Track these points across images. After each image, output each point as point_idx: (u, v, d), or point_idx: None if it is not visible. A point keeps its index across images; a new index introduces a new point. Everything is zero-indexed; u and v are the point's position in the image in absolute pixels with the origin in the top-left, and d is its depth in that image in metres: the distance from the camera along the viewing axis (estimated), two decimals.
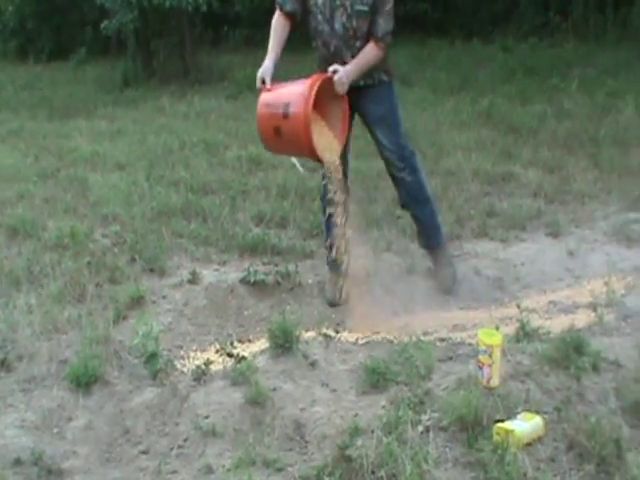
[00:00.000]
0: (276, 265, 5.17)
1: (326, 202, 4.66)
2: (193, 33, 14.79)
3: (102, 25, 13.22)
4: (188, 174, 7.30)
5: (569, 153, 7.33)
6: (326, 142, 4.44)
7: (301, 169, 4.54)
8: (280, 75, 4.58)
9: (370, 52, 4.54)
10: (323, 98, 4.33)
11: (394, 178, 4.89)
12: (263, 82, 4.51)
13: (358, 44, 4.54)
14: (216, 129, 9.33)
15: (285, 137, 4.36)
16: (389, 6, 4.55)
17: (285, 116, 4.29)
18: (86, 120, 10.54)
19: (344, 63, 4.50)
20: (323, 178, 4.75)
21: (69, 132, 9.69)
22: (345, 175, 4.70)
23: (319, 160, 4.42)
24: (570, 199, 6.19)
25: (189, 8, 12.62)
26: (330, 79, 4.39)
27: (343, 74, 4.40)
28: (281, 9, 4.64)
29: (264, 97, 4.48)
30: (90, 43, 17.65)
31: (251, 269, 4.99)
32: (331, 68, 4.42)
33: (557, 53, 12.61)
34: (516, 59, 12.45)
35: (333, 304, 4.78)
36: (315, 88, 4.25)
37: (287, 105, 4.29)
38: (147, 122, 10.19)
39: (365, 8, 4.48)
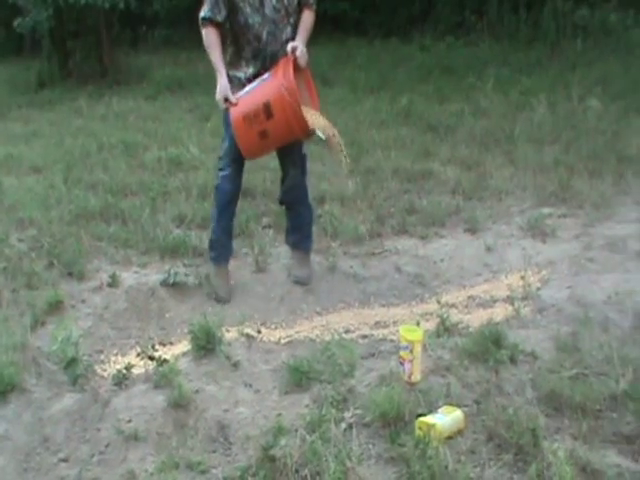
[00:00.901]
0: (197, 266, 5.15)
1: None
2: (110, 33, 14.59)
3: (15, 23, 12.92)
4: (107, 176, 7.21)
5: (486, 150, 7.46)
6: (311, 116, 4.53)
7: (322, 135, 4.55)
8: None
9: (308, 19, 4.72)
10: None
11: (287, 174, 4.98)
12: (226, 100, 4.56)
13: (291, 20, 4.65)
14: (135, 130, 9.24)
15: (273, 134, 4.45)
16: None
17: (269, 116, 4.36)
18: None
19: (272, 53, 4.60)
20: (222, 169, 4.85)
21: None
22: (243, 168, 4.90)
23: (311, 134, 4.54)
24: (487, 195, 6.29)
25: (106, 5, 12.43)
26: (293, 60, 4.46)
27: (302, 46, 4.53)
28: (211, 22, 4.64)
29: (236, 111, 4.51)
30: (2, 43, 17.30)
31: (172, 271, 4.95)
32: (289, 47, 4.50)
33: (473, 52, 12.81)
34: (433, 58, 12.61)
35: (227, 301, 4.82)
36: (290, 72, 4.34)
37: (267, 105, 4.36)
38: (64, 124, 10.03)
39: None
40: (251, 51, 4.65)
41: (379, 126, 8.63)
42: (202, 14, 4.66)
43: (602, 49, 11.49)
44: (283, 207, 5.19)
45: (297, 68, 4.47)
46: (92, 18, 13.84)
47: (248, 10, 4.57)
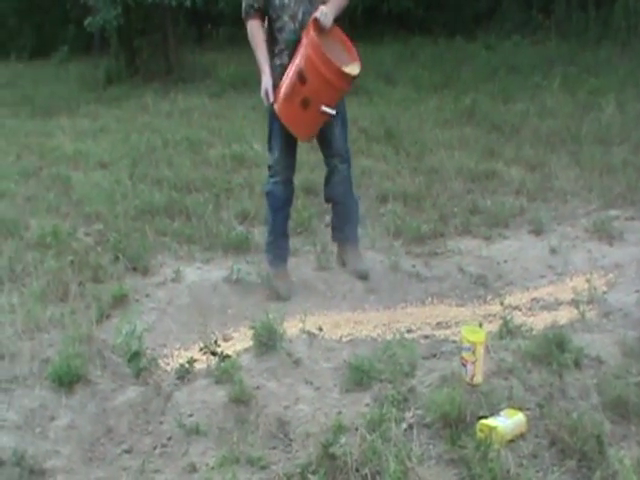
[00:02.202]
0: (260, 263, 5.17)
1: None
2: (176, 31, 14.74)
3: (85, 22, 13.16)
4: (171, 172, 7.29)
5: (551, 151, 7.37)
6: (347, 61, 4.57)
7: (331, 111, 4.59)
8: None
9: None
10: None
11: (335, 169, 4.98)
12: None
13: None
14: (199, 127, 9.33)
15: (313, 95, 4.49)
16: None
17: (302, 81, 4.45)
18: (68, 118, 10.50)
19: None
20: (273, 176, 4.94)
21: (51, 130, 9.66)
22: (294, 173, 5.02)
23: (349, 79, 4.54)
24: (552, 196, 6.22)
25: (172, 3, 12.59)
26: (315, 22, 4.50)
27: (324, 8, 4.54)
28: (253, 12, 4.72)
29: (277, 100, 4.63)
30: (73, 41, 17.58)
31: (235, 267, 4.99)
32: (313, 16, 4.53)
33: (539, 51, 12.67)
34: (499, 57, 12.50)
35: (288, 299, 4.83)
36: (310, 32, 4.42)
37: (299, 72, 4.45)
38: (130, 120, 10.16)
39: None
40: (292, 34, 4.67)
41: (443, 125, 8.59)
42: (242, 7, 4.76)
43: None
44: (329, 205, 5.22)
45: (323, 30, 4.51)
46: (159, 16, 14.00)
47: None
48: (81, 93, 12.79)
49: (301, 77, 4.43)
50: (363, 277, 4.98)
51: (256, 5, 4.71)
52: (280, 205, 4.99)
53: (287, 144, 4.85)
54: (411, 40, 14.53)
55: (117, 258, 5.32)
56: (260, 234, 5.62)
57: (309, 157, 6.54)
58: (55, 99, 12.24)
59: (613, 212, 5.77)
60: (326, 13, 4.52)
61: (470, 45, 13.82)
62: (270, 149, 4.96)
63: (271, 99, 4.64)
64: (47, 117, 10.81)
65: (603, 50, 12.02)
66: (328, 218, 5.81)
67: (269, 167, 4.98)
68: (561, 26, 13.40)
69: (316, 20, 4.50)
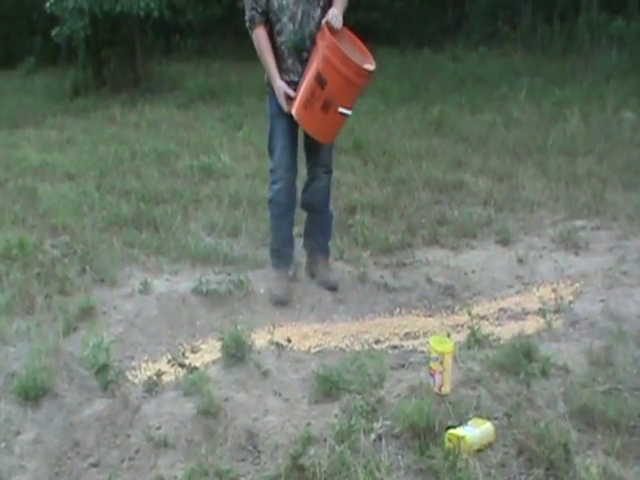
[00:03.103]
0: (228, 274, 5.15)
1: None
2: (144, 42, 14.73)
3: (53, 32, 13.08)
4: (139, 184, 7.26)
5: (518, 161, 7.43)
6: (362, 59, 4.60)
7: (348, 112, 4.59)
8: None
9: None
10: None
11: (317, 177, 4.97)
12: (289, 97, 4.63)
13: (321, 2, 4.67)
14: (167, 138, 9.30)
15: (334, 97, 4.48)
16: None
17: (321, 85, 4.44)
18: (35, 129, 10.44)
19: (311, 32, 4.63)
20: (275, 183, 4.82)
21: (17, 142, 9.60)
22: (295, 178, 4.93)
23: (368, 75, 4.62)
24: (519, 207, 6.26)
25: (140, 14, 12.55)
26: (327, 26, 4.49)
27: (334, 11, 4.54)
28: (256, 19, 4.71)
29: (296, 107, 4.59)
30: (39, 52, 17.49)
31: (203, 279, 4.97)
32: (323, 20, 4.53)
33: (506, 62, 12.78)
34: (466, 68, 12.60)
35: (284, 301, 4.81)
36: (327, 34, 4.43)
37: (317, 76, 4.44)
38: (98, 131, 10.11)
39: None
40: (292, 35, 4.67)
41: (411, 136, 8.63)
42: (246, 18, 4.74)
43: (637, 61, 11.40)
44: (304, 214, 5.21)
45: (335, 33, 4.51)
46: (126, 27, 13.98)
47: None
48: (48, 104, 12.71)
49: (320, 80, 4.43)
50: (333, 288, 4.99)
51: (260, 9, 4.68)
52: (283, 211, 4.96)
53: (290, 144, 4.82)
54: (379, 51, 14.42)
55: (84, 270, 5.28)
56: (228, 245, 5.61)
57: None
58: (21, 110, 12.17)
59: (579, 222, 5.81)
60: (337, 15, 4.52)
61: (437, 57, 13.91)
62: (271, 151, 4.91)
63: (286, 107, 4.63)
64: (13, 128, 10.73)
65: (568, 62, 12.14)
66: (296, 229, 5.81)
67: (271, 171, 4.93)
68: (526, 38, 13.53)
69: (328, 23, 4.49)
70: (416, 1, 16.42)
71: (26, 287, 4.97)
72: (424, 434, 3.17)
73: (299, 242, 5.27)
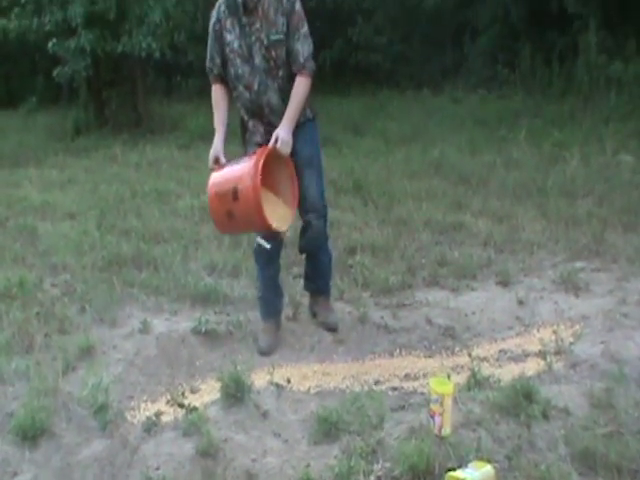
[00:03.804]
0: (228, 314, 5.16)
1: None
2: (145, 82, 14.84)
3: (54, 72, 13.21)
4: (140, 223, 7.28)
5: (518, 203, 7.44)
6: (280, 213, 4.45)
7: (266, 244, 4.52)
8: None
9: (299, 88, 4.52)
10: (270, 168, 4.32)
11: (309, 224, 4.84)
12: (217, 162, 4.54)
13: (281, 73, 4.54)
14: (168, 178, 9.34)
15: (238, 218, 4.35)
16: (304, 29, 4.54)
17: (235, 198, 4.26)
18: (36, 169, 10.48)
19: (269, 102, 4.54)
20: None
21: (19, 181, 9.64)
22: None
23: (268, 229, 4.38)
24: (519, 248, 6.26)
25: (142, 54, 12.68)
26: (273, 149, 4.37)
27: (283, 136, 4.40)
28: (215, 77, 4.72)
29: (212, 181, 4.48)
30: (41, 91, 17.63)
31: (202, 318, 4.96)
32: (271, 140, 4.39)
33: (505, 104, 12.85)
34: (465, 110, 12.66)
35: (267, 354, 4.77)
36: (260, 164, 4.22)
37: (235, 187, 4.26)
38: (99, 171, 10.15)
39: (280, 36, 4.49)
40: (248, 103, 4.63)
41: (411, 177, 8.65)
42: (206, 70, 4.75)
43: (636, 103, 11.45)
44: (303, 255, 5.17)
45: (277, 156, 4.39)
46: (128, 67, 14.10)
47: (238, 61, 4.56)
48: (49, 143, 12.78)
49: (234, 194, 4.26)
50: (332, 329, 4.97)
51: (215, 71, 4.69)
52: (266, 260, 4.90)
53: None
54: (379, 92, 14.69)
55: (84, 309, 5.29)
56: (228, 285, 5.62)
57: None
58: (23, 149, 12.23)
59: (579, 264, 5.81)
60: (285, 141, 4.39)
61: (437, 98, 14.00)
62: None
63: (217, 167, 4.53)
64: (14, 167, 10.78)
65: (567, 104, 12.20)
66: (296, 269, 5.82)
67: None
68: (526, 80, 13.61)
69: (276, 149, 4.37)
70: (416, 43, 16.57)
71: (25, 326, 4.97)
72: (424, 476, 3.16)
73: (298, 283, 5.27)
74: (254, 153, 4.39)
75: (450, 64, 15.70)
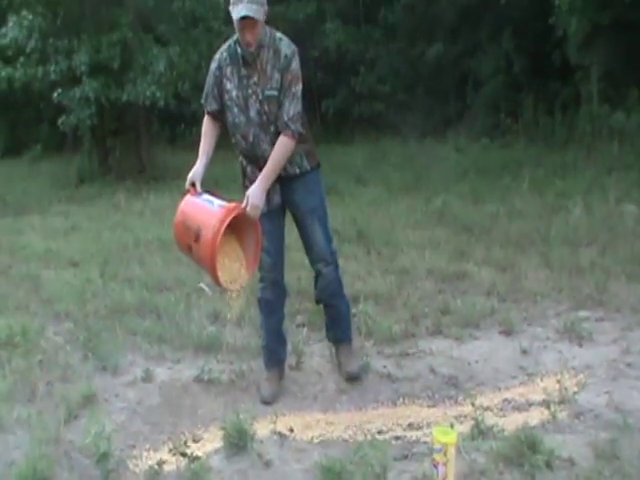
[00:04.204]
0: (231, 363, 5.15)
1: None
2: (149, 130, 14.98)
3: (59, 121, 13.34)
4: (143, 271, 7.29)
5: (521, 252, 7.45)
6: (234, 272, 4.41)
7: (208, 291, 4.50)
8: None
9: (279, 147, 4.47)
10: (240, 222, 4.30)
11: (320, 273, 4.86)
12: (193, 185, 4.54)
13: (273, 128, 4.53)
14: (171, 226, 9.29)
15: (195, 256, 4.37)
16: (296, 88, 4.51)
17: (197, 239, 4.25)
18: (40, 216, 10.54)
19: (263, 153, 4.52)
20: (261, 281, 4.82)
21: (22, 228, 9.68)
22: (282, 276, 4.86)
23: (217, 284, 4.37)
24: (522, 297, 6.25)
25: (146, 103, 12.80)
26: (243, 210, 4.33)
27: (253, 200, 4.33)
28: (208, 112, 4.79)
29: (183, 208, 4.48)
30: (46, 139, 17.78)
31: (205, 367, 4.96)
32: (244, 201, 4.34)
33: (508, 154, 12.92)
34: (468, 159, 12.73)
35: (270, 402, 4.74)
36: (224, 224, 4.18)
37: (199, 229, 4.25)
38: (102, 219, 10.20)
39: (274, 92, 4.51)
40: (243, 148, 4.66)
41: (414, 226, 8.67)
42: (202, 100, 4.82)
43: (638, 153, 11.51)
44: (320, 305, 5.14)
45: (245, 216, 4.33)
46: (132, 116, 14.23)
47: (235, 110, 4.59)
48: (53, 191, 12.87)
49: (197, 236, 4.24)
50: (352, 379, 4.90)
51: (209, 108, 4.77)
52: (269, 310, 4.89)
53: (270, 245, 4.66)
54: (382, 141, 14.80)
55: (87, 357, 5.28)
56: (231, 334, 5.61)
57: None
58: (27, 197, 12.30)
59: (583, 313, 5.80)
60: (255, 205, 4.33)
61: (440, 147, 14.09)
62: None
63: (198, 188, 4.53)
64: (18, 215, 10.84)
65: (569, 153, 12.27)
66: (300, 318, 5.82)
67: (259, 269, 4.82)
68: (529, 130, 13.72)
69: (247, 212, 4.32)
70: (419, 92, 16.72)
71: (28, 374, 4.97)
72: None
73: (302, 332, 5.26)
74: (231, 201, 4.37)
75: (453, 113, 15.83)
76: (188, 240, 4.34)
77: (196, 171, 4.61)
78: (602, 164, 11.30)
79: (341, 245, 7.83)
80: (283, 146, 4.46)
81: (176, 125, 17.46)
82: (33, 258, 8.04)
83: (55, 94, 12.99)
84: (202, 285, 4.47)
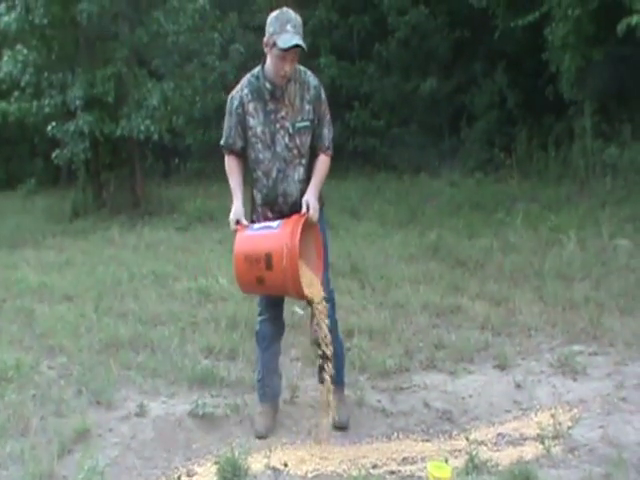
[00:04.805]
0: (225, 397, 5.14)
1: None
2: (144, 164, 15.03)
3: (53, 155, 13.37)
4: (137, 305, 7.28)
5: (515, 286, 7.46)
6: (307, 278, 4.46)
7: (302, 312, 4.51)
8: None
9: (323, 165, 4.69)
10: (300, 236, 4.33)
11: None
12: (238, 222, 4.55)
13: (303, 161, 4.62)
14: (165, 261, 9.37)
15: (269, 285, 4.37)
16: (329, 116, 4.74)
17: (268, 267, 4.27)
18: (34, 250, 10.54)
19: (285, 192, 4.58)
20: (260, 314, 4.80)
21: (16, 262, 9.67)
22: (282, 311, 4.89)
23: (303, 298, 4.45)
24: (516, 331, 6.26)
25: (140, 137, 12.85)
26: (306, 218, 4.41)
27: (314, 203, 4.47)
28: (231, 151, 4.73)
29: (240, 245, 4.46)
30: (40, 173, 17.83)
31: (199, 401, 4.94)
32: (303, 201, 4.45)
33: (502, 188, 12.97)
34: (463, 193, 12.77)
35: (264, 437, 4.71)
36: (297, 236, 4.24)
37: (269, 256, 4.26)
38: (96, 253, 10.20)
39: (307, 123, 4.59)
40: (264, 189, 4.65)
41: (408, 260, 8.69)
42: (221, 142, 4.78)
43: (632, 188, 11.56)
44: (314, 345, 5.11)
45: (307, 223, 4.42)
46: (126, 150, 14.28)
47: (259, 146, 4.59)
48: (47, 225, 12.87)
49: (268, 263, 4.27)
50: (341, 428, 4.80)
51: (235, 147, 4.70)
52: (267, 344, 4.88)
53: None
54: (376, 176, 14.85)
55: (80, 392, 5.27)
56: (225, 368, 5.60)
57: None
58: (21, 231, 12.29)
59: (576, 347, 5.81)
60: (317, 209, 4.47)
61: (434, 181, 14.14)
62: None
63: (243, 226, 4.52)
64: (12, 249, 10.84)
65: (563, 188, 12.33)
66: (294, 352, 5.81)
67: (259, 302, 4.89)
68: (522, 165, 13.78)
69: (309, 217, 4.42)
70: (413, 127, 16.79)
71: (21, 409, 4.94)
72: None
73: (296, 366, 5.24)
74: (283, 218, 4.45)
75: (447, 148, 15.90)
76: (258, 272, 4.34)
77: (237, 208, 4.61)
78: (596, 199, 11.36)
79: (335, 279, 7.80)
80: (326, 163, 4.73)
81: (170, 159, 17.51)
82: (27, 292, 8.02)
83: (49, 128, 13.04)
84: (296, 309, 4.46)
